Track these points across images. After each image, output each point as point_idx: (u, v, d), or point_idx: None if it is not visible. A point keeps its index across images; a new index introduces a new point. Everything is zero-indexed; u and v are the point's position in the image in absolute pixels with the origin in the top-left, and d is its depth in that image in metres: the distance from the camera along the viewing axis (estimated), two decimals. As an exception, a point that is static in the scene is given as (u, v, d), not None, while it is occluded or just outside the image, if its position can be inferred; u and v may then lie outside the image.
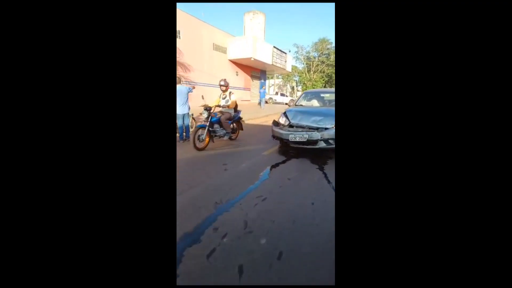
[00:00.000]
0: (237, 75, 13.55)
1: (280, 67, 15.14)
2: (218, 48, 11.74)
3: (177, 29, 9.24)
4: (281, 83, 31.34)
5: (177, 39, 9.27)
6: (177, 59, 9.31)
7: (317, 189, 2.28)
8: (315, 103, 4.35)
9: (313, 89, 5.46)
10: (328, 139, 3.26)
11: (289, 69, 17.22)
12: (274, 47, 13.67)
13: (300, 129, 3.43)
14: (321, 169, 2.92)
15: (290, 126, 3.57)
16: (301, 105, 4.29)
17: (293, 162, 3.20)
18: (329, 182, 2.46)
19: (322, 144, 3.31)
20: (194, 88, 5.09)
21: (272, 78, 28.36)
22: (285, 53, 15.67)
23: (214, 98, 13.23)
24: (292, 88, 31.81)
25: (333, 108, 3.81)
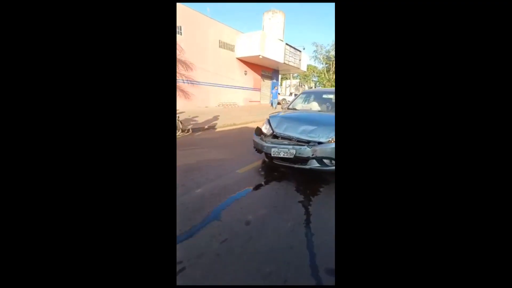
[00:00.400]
0: (245, 74, 12.74)
1: (294, 66, 14.08)
2: (225, 46, 11.04)
3: (178, 24, 8.72)
4: (298, 83, 30.01)
5: (178, 36, 8.74)
6: (178, 56, 8.78)
7: (282, 251, 1.38)
8: (315, 106, 3.39)
9: (315, 89, 4.44)
10: (323, 157, 2.32)
11: (304, 68, 16.05)
12: (287, 44, 12.65)
13: (286, 142, 2.53)
14: (307, 203, 2.00)
15: (275, 136, 2.68)
16: (294, 109, 3.35)
17: (271, 188, 2.31)
18: (308, 235, 1.54)
19: (314, 164, 2.37)
20: None
21: (287, 78, 27.16)
22: (300, 51, 14.54)
23: (222, 100, 12.47)
24: (310, 89, 30.31)
25: (332, 114, 2.84)
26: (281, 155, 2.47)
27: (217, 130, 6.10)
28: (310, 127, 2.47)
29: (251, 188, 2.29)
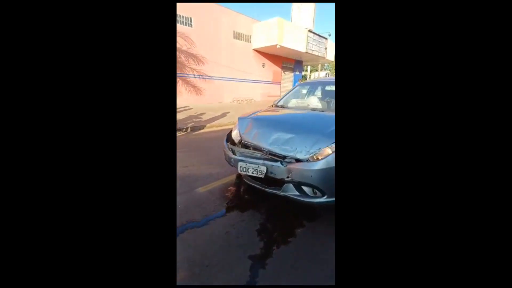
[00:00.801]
0: (263, 67, 11.85)
1: (319, 56, 12.68)
2: (240, 36, 10.28)
3: (188, 16, 8.27)
4: (325, 75, 27.76)
5: (188, 28, 8.32)
6: (188, 50, 8.39)
7: None
8: (313, 102, 2.50)
9: (316, 79, 3.46)
10: (301, 182, 1.51)
11: (331, 57, 14.42)
12: (310, 31, 11.28)
13: (259, 154, 1.77)
14: (261, 261, 1.24)
15: (245, 145, 1.94)
16: (282, 107, 2.50)
17: (225, 223, 1.60)
18: None
19: (290, 191, 1.59)
20: None
21: (316, 70, 25.22)
22: (325, 38, 12.97)
23: (237, 95, 11.83)
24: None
25: (325, 115, 1.96)
26: (250, 173, 1.74)
27: (218, 129, 5.52)
28: (286, 135, 1.66)
29: (196, 221, 1.61)
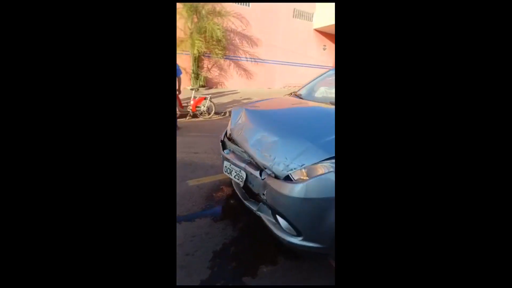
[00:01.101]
0: (324, 49, 10.46)
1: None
2: (301, 15, 9.17)
3: (246, -6, 7.90)
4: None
5: (246, 7, 7.98)
6: (243, 31, 8.16)
7: None
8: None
9: None
10: (271, 207, 1.08)
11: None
12: (391, 4, 9.07)
13: (247, 155, 1.40)
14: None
15: (235, 142, 1.59)
16: (299, 96, 1.91)
17: (184, 230, 1.37)
18: None
19: (266, 213, 1.17)
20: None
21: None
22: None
23: (290, 81, 11.14)
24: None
25: (326, 109, 1.33)
26: (233, 176, 1.42)
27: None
28: (270, 137, 1.20)
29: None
